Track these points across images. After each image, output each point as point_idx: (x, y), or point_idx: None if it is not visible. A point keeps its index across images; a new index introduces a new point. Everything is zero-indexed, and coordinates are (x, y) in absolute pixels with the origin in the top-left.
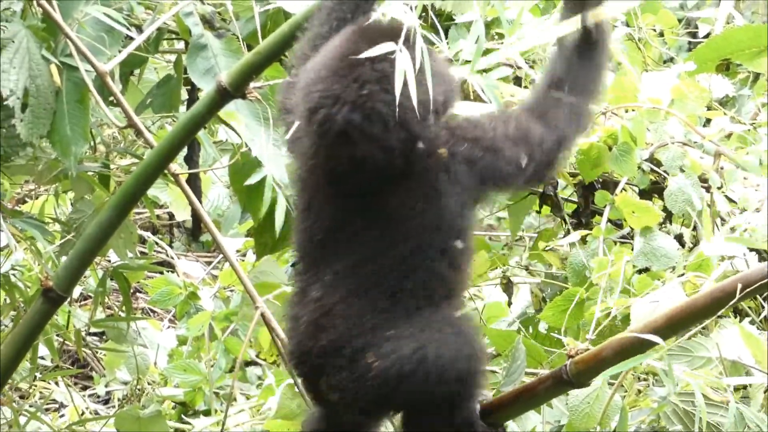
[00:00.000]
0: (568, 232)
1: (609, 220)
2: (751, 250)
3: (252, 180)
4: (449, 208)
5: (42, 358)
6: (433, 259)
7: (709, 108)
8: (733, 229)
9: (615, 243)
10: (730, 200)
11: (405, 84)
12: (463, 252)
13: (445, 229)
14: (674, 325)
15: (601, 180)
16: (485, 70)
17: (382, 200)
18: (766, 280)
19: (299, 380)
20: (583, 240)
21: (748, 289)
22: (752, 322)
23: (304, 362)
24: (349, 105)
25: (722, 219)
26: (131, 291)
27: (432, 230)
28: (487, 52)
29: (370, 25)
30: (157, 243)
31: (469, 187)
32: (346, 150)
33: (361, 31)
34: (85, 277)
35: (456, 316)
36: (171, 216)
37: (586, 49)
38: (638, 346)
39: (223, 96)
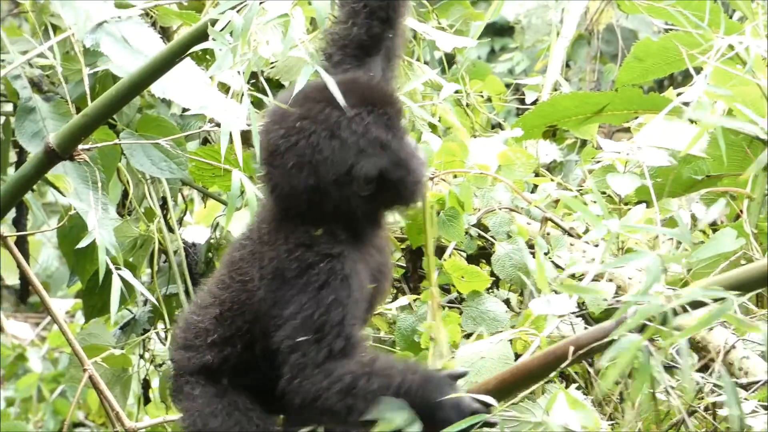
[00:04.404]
0: (396, 297)
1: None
2: (578, 316)
3: (81, 244)
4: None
5: None
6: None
7: (536, 174)
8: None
9: (443, 308)
10: (557, 266)
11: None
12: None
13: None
14: (506, 387)
15: None
16: None
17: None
18: (597, 343)
19: None
20: (409, 306)
21: (580, 352)
22: (578, 388)
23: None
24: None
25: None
26: None
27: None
28: None
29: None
30: None
31: None
32: None
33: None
34: None
35: None
36: None
37: None
38: None
39: (50, 157)
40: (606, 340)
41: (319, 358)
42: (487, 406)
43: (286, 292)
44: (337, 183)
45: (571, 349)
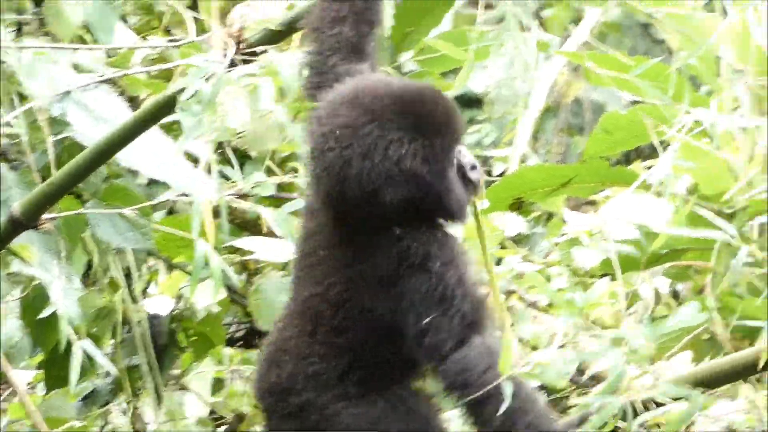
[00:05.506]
0: None
1: None
2: (541, 388)
3: (43, 314)
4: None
5: None
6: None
7: (502, 246)
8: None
9: None
10: (520, 339)
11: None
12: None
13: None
14: None
15: None
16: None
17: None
18: None
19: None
20: None
21: None
22: None
23: (260, 398)
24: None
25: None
26: None
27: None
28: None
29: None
30: None
31: None
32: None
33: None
34: None
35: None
36: None
37: None
38: None
39: (15, 226)
40: None
41: (454, 329)
42: None
43: (400, 288)
44: (363, 198)
45: None
